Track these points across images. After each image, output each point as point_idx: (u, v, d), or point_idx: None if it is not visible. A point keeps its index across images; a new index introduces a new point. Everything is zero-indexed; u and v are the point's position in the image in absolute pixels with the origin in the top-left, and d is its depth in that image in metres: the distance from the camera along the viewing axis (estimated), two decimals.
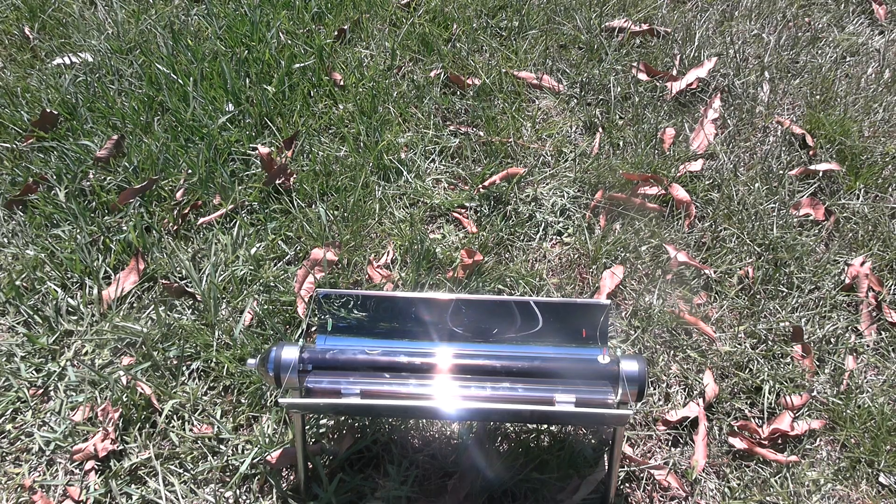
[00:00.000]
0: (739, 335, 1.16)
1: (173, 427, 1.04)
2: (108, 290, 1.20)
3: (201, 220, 1.31)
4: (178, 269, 1.23)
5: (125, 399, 1.05)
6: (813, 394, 1.09)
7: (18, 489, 0.99)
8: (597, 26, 1.68)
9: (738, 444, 1.03)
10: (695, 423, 1.05)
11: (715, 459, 1.03)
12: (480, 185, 1.34)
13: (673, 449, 1.04)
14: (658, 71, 1.58)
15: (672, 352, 1.14)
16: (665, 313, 1.17)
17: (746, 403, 1.08)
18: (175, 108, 1.47)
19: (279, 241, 1.27)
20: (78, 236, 1.28)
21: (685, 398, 1.09)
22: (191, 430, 1.04)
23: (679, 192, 1.32)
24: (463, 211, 1.33)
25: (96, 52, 1.64)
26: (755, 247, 1.26)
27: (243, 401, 1.07)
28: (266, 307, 1.16)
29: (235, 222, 1.29)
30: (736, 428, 1.05)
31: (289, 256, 1.25)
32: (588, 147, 1.43)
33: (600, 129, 1.46)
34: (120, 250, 1.26)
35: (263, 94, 1.49)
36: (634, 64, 1.59)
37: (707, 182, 1.36)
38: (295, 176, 1.36)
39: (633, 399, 0.86)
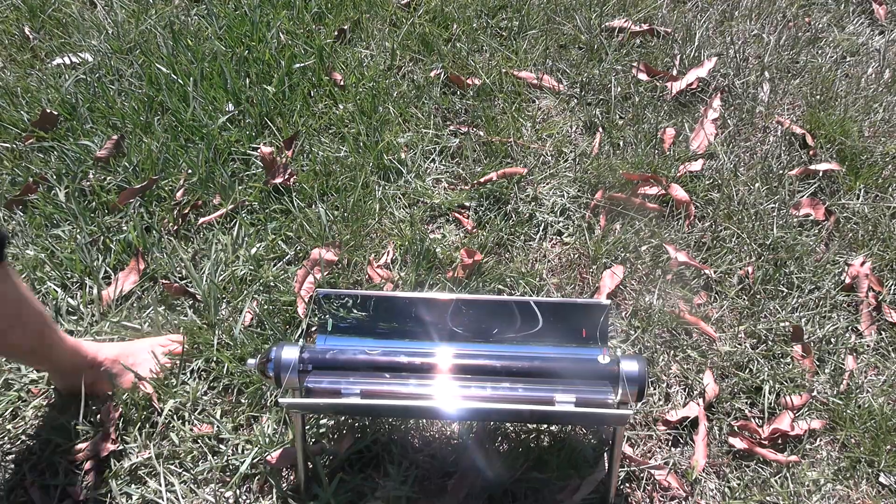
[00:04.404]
0: (739, 335, 1.16)
1: (173, 427, 1.04)
2: (108, 290, 1.20)
3: (201, 220, 1.31)
4: (178, 269, 1.23)
5: (125, 399, 1.05)
6: (813, 394, 1.09)
7: (18, 489, 0.99)
8: (597, 26, 1.68)
9: (739, 444, 1.03)
10: (695, 423, 1.05)
11: (715, 459, 1.03)
12: (476, 181, 1.34)
13: (673, 449, 1.04)
14: (658, 71, 1.58)
15: (672, 352, 1.14)
16: (665, 313, 1.17)
17: (746, 403, 1.08)
18: (175, 108, 1.47)
19: (279, 241, 1.26)
20: (78, 236, 1.28)
21: (685, 398, 1.09)
22: (191, 429, 1.04)
23: (679, 192, 1.32)
24: (463, 211, 1.33)
25: (96, 52, 1.64)
26: (755, 247, 1.26)
27: (243, 401, 1.07)
28: (266, 307, 1.16)
29: (235, 222, 1.29)
30: (736, 428, 1.05)
31: (289, 256, 1.25)
32: (588, 147, 1.43)
33: (600, 129, 1.46)
34: (120, 250, 1.26)
35: (263, 94, 1.49)
36: (634, 64, 1.59)
37: (707, 182, 1.36)
38: (295, 176, 1.35)
39: (633, 399, 0.86)
